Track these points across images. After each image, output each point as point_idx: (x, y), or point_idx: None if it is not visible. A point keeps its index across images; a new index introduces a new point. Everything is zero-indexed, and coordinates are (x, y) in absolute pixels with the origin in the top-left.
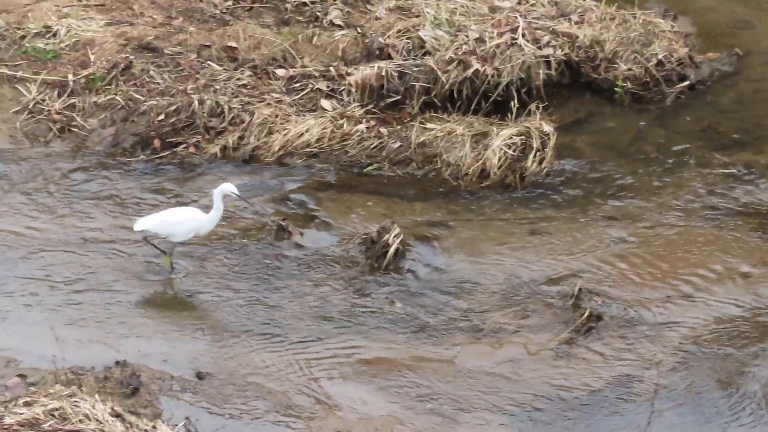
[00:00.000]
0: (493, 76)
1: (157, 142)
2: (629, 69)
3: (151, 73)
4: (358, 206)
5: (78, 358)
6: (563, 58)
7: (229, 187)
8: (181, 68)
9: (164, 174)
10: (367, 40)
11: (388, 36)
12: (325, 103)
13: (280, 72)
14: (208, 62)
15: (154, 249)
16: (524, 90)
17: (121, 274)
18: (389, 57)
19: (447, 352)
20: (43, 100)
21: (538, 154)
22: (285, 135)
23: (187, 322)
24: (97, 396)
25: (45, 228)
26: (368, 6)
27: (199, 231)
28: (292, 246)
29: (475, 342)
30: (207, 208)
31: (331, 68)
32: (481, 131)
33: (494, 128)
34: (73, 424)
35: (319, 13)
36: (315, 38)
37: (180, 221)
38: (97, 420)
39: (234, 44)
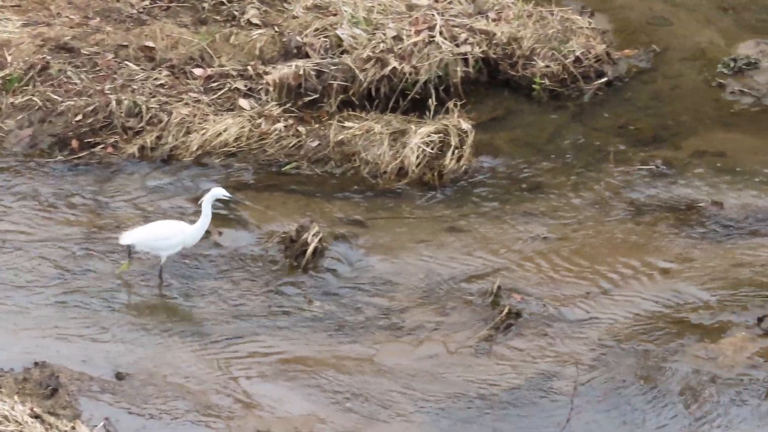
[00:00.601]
0: (410, 74)
1: (75, 143)
2: (547, 66)
3: (69, 73)
4: (277, 205)
5: None
6: (481, 55)
7: (218, 192)
8: (98, 68)
9: (82, 174)
10: (284, 39)
11: (306, 35)
12: (243, 103)
13: (198, 71)
14: (126, 62)
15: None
16: (442, 88)
17: (40, 275)
18: (307, 56)
19: (366, 350)
20: None
21: (456, 151)
22: (203, 134)
23: (105, 323)
24: (16, 397)
25: None
26: (285, 5)
27: (186, 243)
28: (211, 245)
29: (395, 340)
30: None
31: (249, 67)
32: (400, 129)
33: (412, 126)
34: None
35: (236, 12)
36: (232, 37)
37: (167, 236)
38: (17, 421)
39: (151, 44)
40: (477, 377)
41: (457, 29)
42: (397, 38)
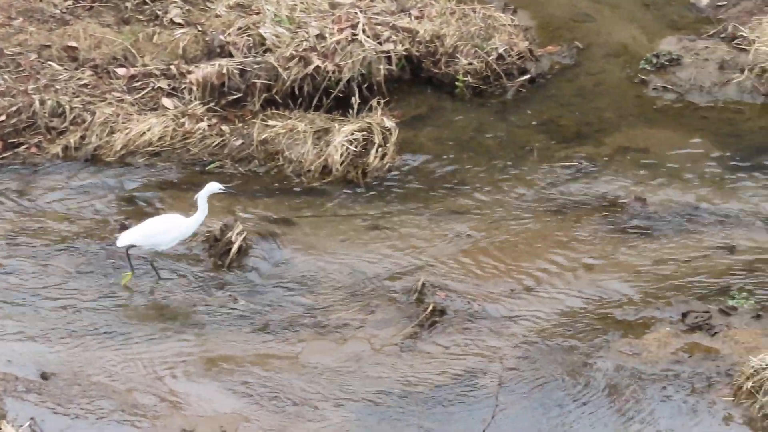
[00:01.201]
0: (334, 72)
1: None
2: (470, 63)
3: None
4: None
5: None
6: (404, 53)
7: (214, 187)
8: (21, 68)
9: (6, 175)
10: (207, 38)
11: (229, 34)
12: (167, 102)
13: (121, 71)
14: (49, 62)
15: (128, 262)
16: (365, 86)
17: None
18: (230, 55)
19: (291, 348)
20: None
21: (380, 149)
22: (127, 134)
23: (30, 323)
24: None
25: None
26: (208, 4)
27: (184, 236)
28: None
29: (320, 338)
30: None
31: (172, 67)
32: (323, 128)
33: (336, 124)
34: None
35: (159, 12)
36: (155, 37)
37: (165, 231)
38: None
39: (74, 44)
40: (402, 375)
41: (380, 27)
42: (320, 37)
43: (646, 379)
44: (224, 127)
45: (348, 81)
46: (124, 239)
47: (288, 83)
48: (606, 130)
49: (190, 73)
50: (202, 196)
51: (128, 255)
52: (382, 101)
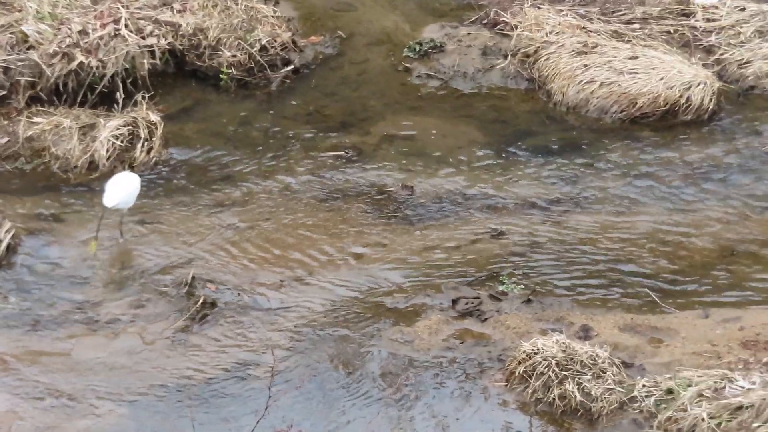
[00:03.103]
0: (98, 67)
1: None
2: (234, 55)
3: None
4: None
5: None
6: (167, 47)
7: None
8: None
9: None
10: None
11: None
12: None
13: None
14: None
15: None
16: (130, 80)
17: None
18: None
19: (63, 345)
20: None
21: (146, 143)
22: None
23: None
24: None
25: None
26: None
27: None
28: None
29: (91, 334)
30: None
31: None
32: (89, 123)
33: (101, 120)
34: None
35: None
36: None
37: (135, 188)
38: None
39: None
40: (174, 368)
41: (142, 21)
42: (83, 32)
43: (419, 366)
44: None
45: (112, 76)
46: (111, 199)
47: (52, 80)
48: (371, 118)
49: None
50: None
51: (98, 223)
52: (147, 95)
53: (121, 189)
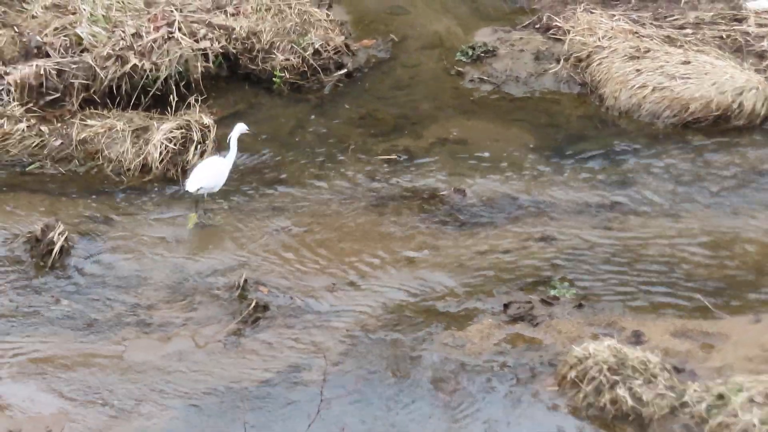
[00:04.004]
0: (151, 70)
1: None
2: (287, 59)
3: None
4: (21, 205)
5: None
6: (221, 50)
7: (242, 127)
8: None
9: None
10: (24, 39)
11: (46, 34)
12: None
13: None
14: None
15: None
16: (183, 83)
17: None
18: (47, 55)
19: (115, 347)
20: None
21: (199, 146)
22: None
23: None
24: None
25: None
26: (24, 5)
27: (226, 176)
28: None
29: (144, 336)
30: None
31: None
32: (142, 126)
33: (155, 123)
34: None
35: None
36: None
37: (221, 172)
38: None
39: None
40: (227, 371)
41: (195, 25)
42: (137, 35)
43: (471, 370)
44: (43, 128)
45: (166, 79)
46: (193, 184)
47: (106, 82)
48: (424, 122)
49: (7, 74)
50: (233, 137)
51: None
52: (200, 98)
53: (205, 174)
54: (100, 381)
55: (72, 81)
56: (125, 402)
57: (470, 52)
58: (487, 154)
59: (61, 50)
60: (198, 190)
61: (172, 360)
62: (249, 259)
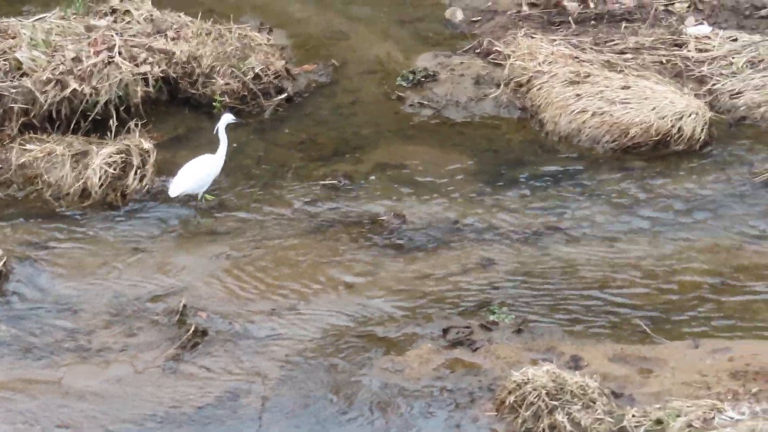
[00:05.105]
0: (91, 95)
1: None
2: (227, 83)
3: None
4: None
5: None
6: (161, 74)
7: (229, 117)
8: None
9: None
10: None
11: None
12: None
13: None
14: None
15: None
16: (123, 108)
17: None
18: None
19: (55, 373)
20: None
21: (138, 171)
22: None
23: None
24: None
25: None
26: None
27: (218, 172)
28: None
29: (83, 362)
30: None
31: None
32: (82, 150)
33: (94, 147)
34: None
35: None
36: None
37: (208, 173)
38: None
39: None
40: (166, 397)
41: (136, 49)
42: (77, 59)
43: (410, 395)
44: None
45: (106, 103)
46: (176, 188)
47: (45, 107)
48: (364, 147)
49: None
50: (221, 128)
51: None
52: (140, 123)
53: (188, 177)
54: (39, 406)
55: (11, 105)
56: (63, 428)
57: (411, 77)
58: (427, 179)
59: (1, 74)
60: (181, 194)
61: (111, 385)
62: (188, 284)
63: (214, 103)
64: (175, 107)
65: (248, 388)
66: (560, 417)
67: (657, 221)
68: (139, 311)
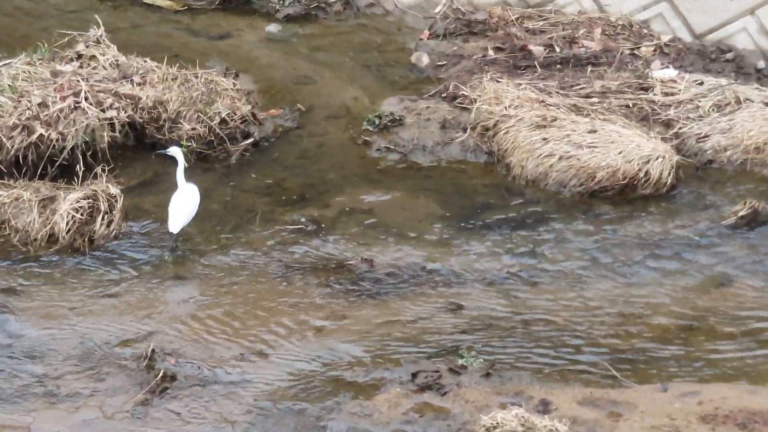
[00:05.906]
0: (58, 140)
1: None
2: (193, 128)
3: None
4: None
5: None
6: (127, 119)
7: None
8: None
9: None
10: None
11: None
12: None
13: None
14: None
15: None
16: (90, 153)
17: None
18: None
19: (22, 418)
20: None
21: (106, 216)
22: None
23: None
24: None
25: None
26: None
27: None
28: None
29: (51, 407)
30: None
31: None
32: (49, 196)
33: (61, 192)
34: None
35: None
36: None
37: (196, 201)
38: None
39: None
40: None
41: (102, 94)
42: (43, 105)
43: None
44: None
45: (72, 149)
46: (176, 225)
47: (12, 152)
48: (330, 191)
49: None
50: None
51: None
52: (107, 168)
53: (182, 212)
54: None
55: None
56: None
57: (377, 122)
58: (394, 224)
59: None
60: (182, 229)
61: (80, 430)
62: (157, 329)
63: (181, 148)
64: (142, 152)
65: None
66: None
67: (624, 265)
68: (107, 356)
